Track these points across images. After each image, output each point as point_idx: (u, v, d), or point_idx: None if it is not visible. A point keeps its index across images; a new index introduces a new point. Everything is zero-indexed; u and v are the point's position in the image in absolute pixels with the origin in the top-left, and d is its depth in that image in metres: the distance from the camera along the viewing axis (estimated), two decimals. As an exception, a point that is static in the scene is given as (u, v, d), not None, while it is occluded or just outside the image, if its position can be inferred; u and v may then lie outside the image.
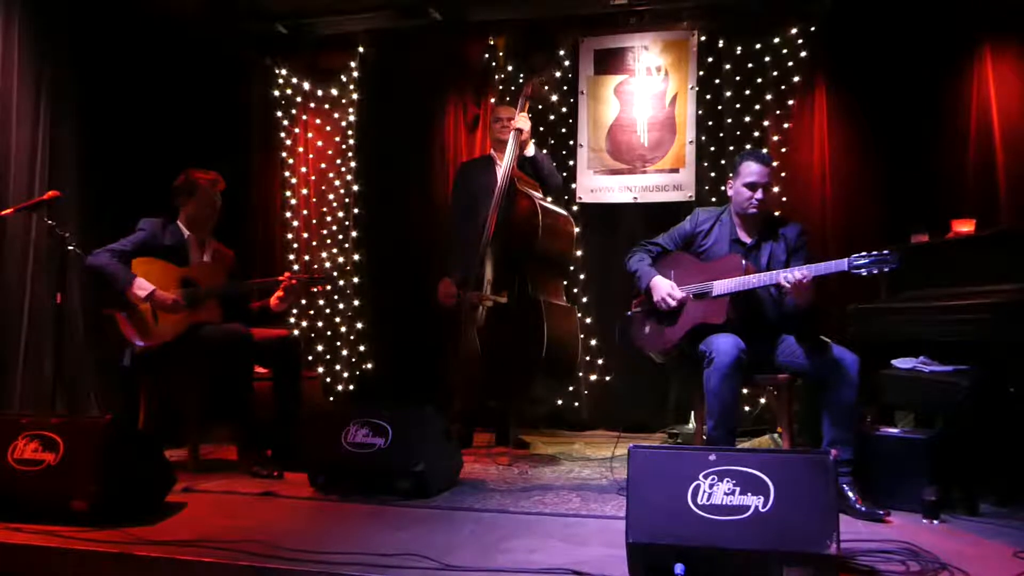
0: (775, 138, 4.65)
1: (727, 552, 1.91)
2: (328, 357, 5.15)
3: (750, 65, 4.69)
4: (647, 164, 4.82)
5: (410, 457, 2.91)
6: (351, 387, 5.10)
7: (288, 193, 5.33)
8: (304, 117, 5.35)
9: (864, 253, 2.66)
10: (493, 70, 5.05)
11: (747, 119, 4.68)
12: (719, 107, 4.74)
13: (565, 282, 4.06)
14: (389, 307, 5.06)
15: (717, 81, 4.74)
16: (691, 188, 4.73)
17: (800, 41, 4.62)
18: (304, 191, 5.32)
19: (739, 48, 4.71)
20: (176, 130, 4.75)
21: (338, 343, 5.15)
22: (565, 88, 4.96)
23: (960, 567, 2.08)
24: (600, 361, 4.81)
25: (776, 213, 4.27)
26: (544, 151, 4.25)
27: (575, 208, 4.82)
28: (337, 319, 5.18)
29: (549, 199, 3.94)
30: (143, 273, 3.39)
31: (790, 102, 4.65)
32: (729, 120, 4.71)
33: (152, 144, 4.63)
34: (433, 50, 5.08)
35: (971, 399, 2.82)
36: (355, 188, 5.22)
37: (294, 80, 5.33)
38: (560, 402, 4.80)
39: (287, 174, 5.34)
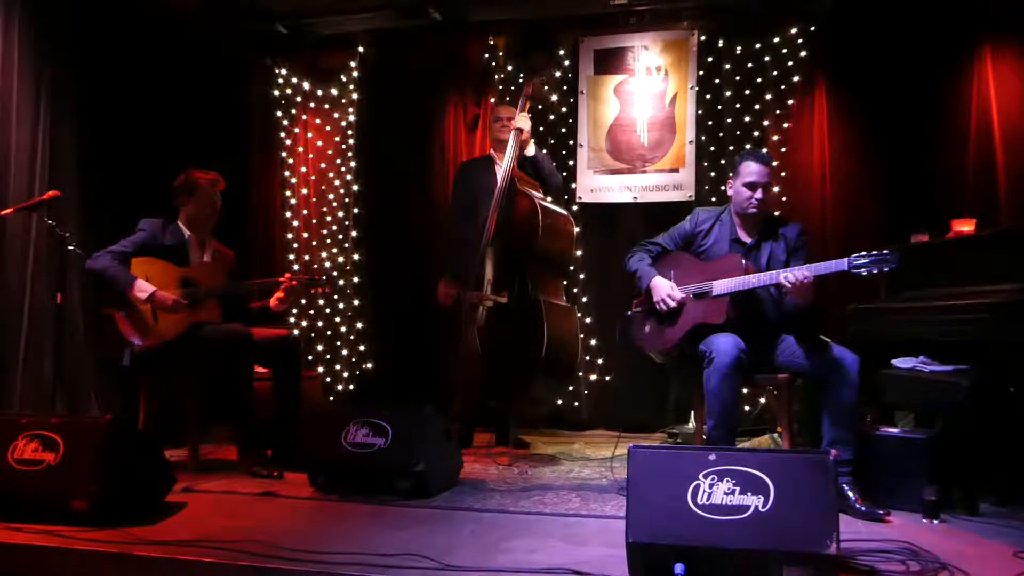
0: (775, 138, 4.65)
1: (727, 552, 1.91)
2: (328, 357, 5.15)
3: (750, 65, 4.69)
4: (647, 164, 4.82)
5: (410, 457, 2.91)
6: (351, 387, 5.10)
7: (288, 193, 5.33)
8: (304, 117, 5.35)
9: (864, 253, 2.66)
10: (493, 70, 5.05)
11: (747, 119, 4.69)
12: (719, 107, 4.74)
13: (565, 282, 4.05)
14: (389, 307, 5.06)
15: (717, 81, 4.74)
16: (691, 188, 4.73)
17: (800, 41, 4.62)
18: (304, 191, 5.32)
19: (739, 48, 4.71)
20: (176, 130, 4.75)
21: (338, 343, 5.15)
22: (565, 88, 4.96)
23: (960, 567, 2.08)
24: (600, 361, 4.81)
25: (776, 213, 4.27)
26: (544, 151, 4.25)
27: (575, 208, 4.82)
28: (337, 319, 5.18)
29: (549, 199, 3.93)
30: (143, 273, 3.39)
31: (790, 102, 4.65)
32: (729, 120, 4.71)
33: (152, 144, 4.63)
34: (433, 50, 5.08)
35: (971, 399, 2.82)
36: (355, 188, 5.22)
37: (294, 80, 5.33)
38: (560, 402, 4.80)
39: (287, 174, 5.34)
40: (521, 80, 4.82)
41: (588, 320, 4.78)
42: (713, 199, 4.61)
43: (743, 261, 2.98)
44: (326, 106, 5.33)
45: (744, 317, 2.97)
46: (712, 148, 4.75)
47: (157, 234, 3.51)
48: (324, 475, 3.05)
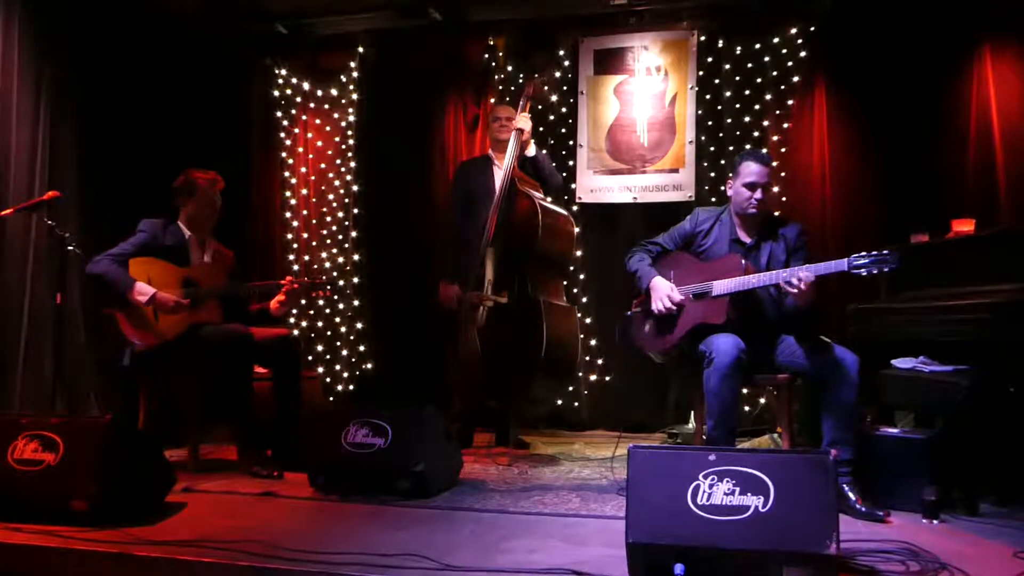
0: (775, 138, 4.65)
1: (727, 552, 1.91)
2: (328, 357, 5.15)
3: (750, 65, 4.69)
4: (647, 164, 4.82)
5: (410, 457, 2.91)
6: (351, 387, 5.10)
7: (288, 193, 5.33)
8: (304, 117, 5.35)
9: (864, 253, 2.66)
10: (493, 70, 5.05)
11: (747, 119, 4.69)
12: (719, 107, 4.74)
13: (565, 282, 4.06)
14: (389, 307, 5.06)
15: (717, 81, 4.74)
16: (691, 188, 4.73)
17: (800, 41, 4.62)
18: (304, 191, 5.32)
19: (739, 48, 4.71)
20: (176, 130, 4.75)
21: (338, 343, 5.15)
22: (565, 88, 4.96)
23: (960, 567, 2.08)
24: (600, 361, 4.81)
25: (776, 213, 4.27)
26: (544, 151, 4.26)
27: (575, 208, 4.82)
28: (337, 319, 5.18)
29: (549, 199, 3.94)
30: (144, 272, 3.40)
31: (790, 102, 4.66)
32: (729, 120, 4.72)
33: (152, 144, 4.63)
34: (433, 50, 5.08)
35: (971, 399, 2.82)
36: (355, 188, 5.22)
37: (294, 80, 5.33)
38: (560, 402, 4.80)
39: (287, 174, 5.34)
40: (521, 80, 4.83)
41: (588, 320, 4.78)
42: (713, 199, 4.60)
43: (743, 261, 2.97)
44: (326, 106, 5.33)
45: (744, 317, 2.97)
46: (712, 148, 4.75)
47: (157, 234, 3.52)
48: (324, 475, 3.05)
